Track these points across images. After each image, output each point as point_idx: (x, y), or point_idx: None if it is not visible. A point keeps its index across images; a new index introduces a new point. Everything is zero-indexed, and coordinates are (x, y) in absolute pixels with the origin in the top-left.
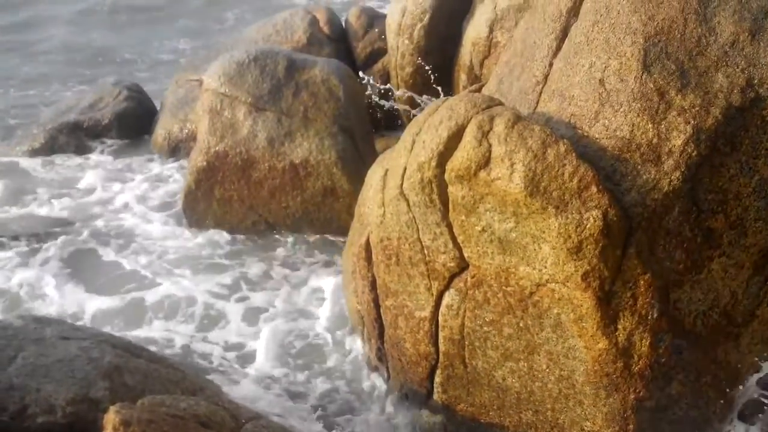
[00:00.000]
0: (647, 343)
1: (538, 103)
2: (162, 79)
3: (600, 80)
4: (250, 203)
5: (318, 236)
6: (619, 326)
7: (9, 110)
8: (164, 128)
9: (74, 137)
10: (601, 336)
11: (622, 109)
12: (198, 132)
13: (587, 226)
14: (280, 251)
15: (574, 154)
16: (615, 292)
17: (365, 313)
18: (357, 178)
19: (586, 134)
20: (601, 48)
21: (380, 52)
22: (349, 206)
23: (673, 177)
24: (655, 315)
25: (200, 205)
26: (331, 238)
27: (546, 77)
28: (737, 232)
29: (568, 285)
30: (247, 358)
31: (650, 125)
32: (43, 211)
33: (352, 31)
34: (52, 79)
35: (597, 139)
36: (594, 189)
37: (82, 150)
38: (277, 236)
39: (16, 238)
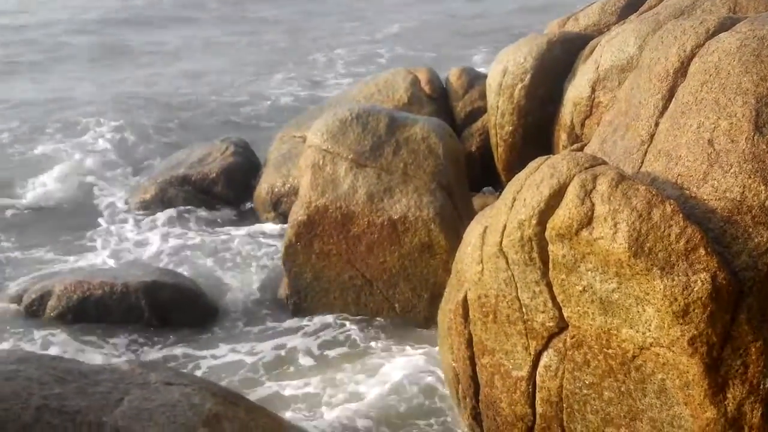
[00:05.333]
0: (758, 414)
1: (642, 162)
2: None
3: (709, 140)
4: (348, 257)
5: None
6: (729, 395)
7: None
8: (267, 183)
9: (183, 190)
10: (708, 405)
11: (732, 170)
12: (300, 187)
13: (695, 290)
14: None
15: (681, 215)
16: (724, 359)
17: (460, 370)
18: (454, 235)
19: (693, 195)
20: (711, 108)
21: (480, 112)
22: (445, 263)
23: None
24: (767, 385)
25: (299, 258)
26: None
27: (652, 137)
28: None
29: (674, 350)
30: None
31: (762, 187)
32: (146, 265)
33: (453, 91)
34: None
35: (705, 200)
36: (702, 251)
37: (189, 202)
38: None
39: (126, 288)
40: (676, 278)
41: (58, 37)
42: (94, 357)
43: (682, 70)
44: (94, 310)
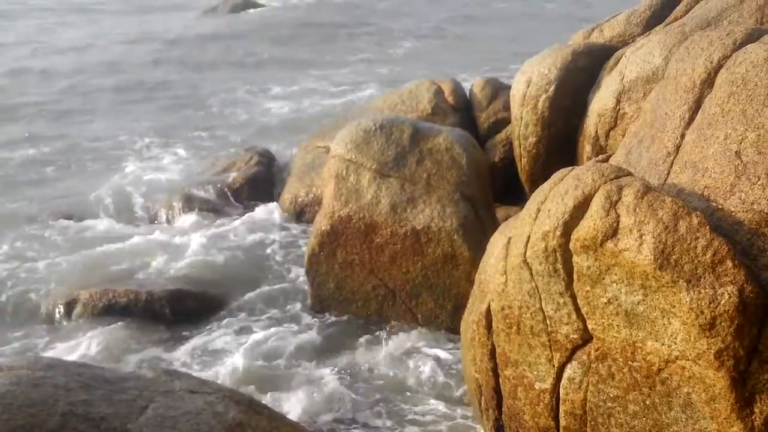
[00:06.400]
0: None
1: (668, 174)
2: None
3: (736, 152)
4: (371, 267)
5: None
6: (756, 409)
7: None
8: (291, 192)
9: (207, 199)
10: (735, 419)
11: (760, 182)
12: (323, 196)
13: (721, 302)
14: None
15: (707, 227)
16: (751, 373)
17: (483, 382)
18: (477, 246)
19: (720, 207)
20: (738, 119)
21: (503, 122)
22: (468, 273)
23: None
24: None
25: (322, 268)
26: None
27: (678, 148)
28: None
29: (700, 363)
30: None
31: None
32: (171, 272)
33: (476, 102)
34: None
35: (732, 212)
36: (729, 264)
37: (213, 211)
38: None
39: (151, 296)
40: (702, 291)
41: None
42: (120, 364)
43: (708, 81)
44: (120, 317)
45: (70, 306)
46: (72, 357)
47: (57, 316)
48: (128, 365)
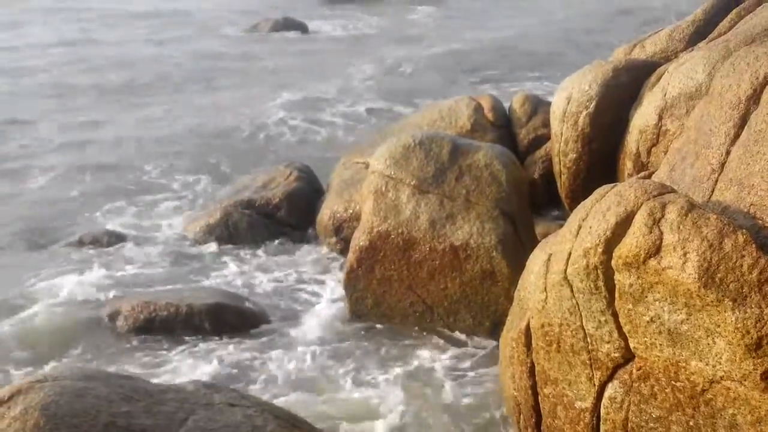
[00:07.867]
0: None
1: (713, 191)
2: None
3: None
4: (409, 283)
5: None
6: None
7: None
8: (330, 208)
9: (247, 215)
10: None
11: None
12: (362, 212)
13: None
14: None
15: (754, 246)
16: None
17: (522, 400)
18: (516, 263)
19: (767, 225)
20: None
21: (543, 139)
22: (507, 290)
23: None
24: None
25: (360, 284)
26: None
27: (723, 165)
28: None
29: (746, 384)
30: None
31: None
32: (211, 287)
33: (516, 118)
34: None
35: None
36: None
37: (252, 227)
38: None
39: (191, 309)
40: (748, 310)
41: None
42: (160, 376)
43: (754, 98)
44: (160, 330)
45: (112, 318)
46: (113, 368)
47: (99, 327)
48: (168, 378)
